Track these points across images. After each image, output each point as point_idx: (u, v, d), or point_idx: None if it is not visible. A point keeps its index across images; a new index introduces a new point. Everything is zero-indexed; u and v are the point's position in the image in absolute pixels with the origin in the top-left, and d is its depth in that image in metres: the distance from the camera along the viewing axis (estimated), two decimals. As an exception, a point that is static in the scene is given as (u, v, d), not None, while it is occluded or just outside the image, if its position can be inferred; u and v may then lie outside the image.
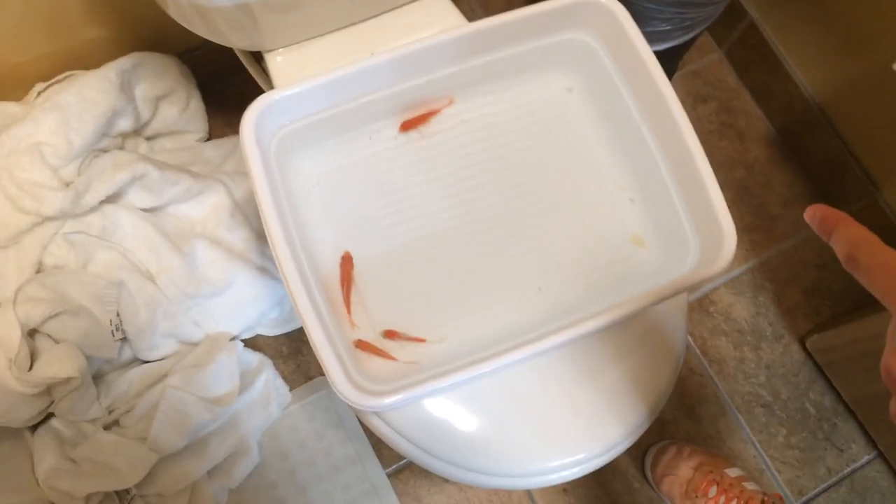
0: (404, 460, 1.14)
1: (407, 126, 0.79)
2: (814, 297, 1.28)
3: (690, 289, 0.69)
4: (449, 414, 0.72)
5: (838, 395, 1.22)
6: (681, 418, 1.20)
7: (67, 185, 0.94)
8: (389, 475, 1.13)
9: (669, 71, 1.29)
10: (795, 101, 1.28)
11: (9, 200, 0.92)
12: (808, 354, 1.24)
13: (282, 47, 0.83)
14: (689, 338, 1.24)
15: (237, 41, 0.81)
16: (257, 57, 0.87)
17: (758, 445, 1.20)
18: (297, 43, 0.83)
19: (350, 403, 0.61)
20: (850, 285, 1.29)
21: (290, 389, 1.15)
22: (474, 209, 0.78)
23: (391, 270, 0.75)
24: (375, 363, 0.70)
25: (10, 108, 0.99)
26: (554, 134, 0.81)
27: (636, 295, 0.66)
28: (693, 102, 1.38)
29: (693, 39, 1.12)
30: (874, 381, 1.11)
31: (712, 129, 1.36)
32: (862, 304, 1.27)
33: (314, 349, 0.62)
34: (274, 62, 0.83)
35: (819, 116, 1.25)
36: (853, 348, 1.14)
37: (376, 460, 1.13)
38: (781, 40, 1.27)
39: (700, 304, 1.27)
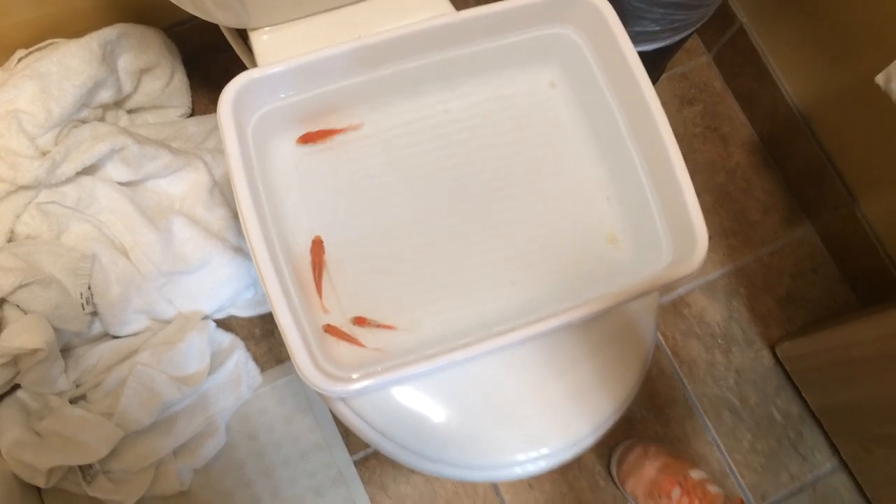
0: (371, 448, 1.14)
1: (305, 139, 0.78)
2: (787, 304, 1.29)
3: (661, 288, 0.69)
4: (415, 403, 0.72)
5: (805, 404, 1.23)
6: (649, 418, 1.21)
7: (44, 154, 0.93)
8: (356, 463, 1.13)
9: (657, 72, 1.30)
10: (780, 109, 1.29)
11: (-17, 167, 0.91)
12: (778, 361, 1.25)
13: (268, 26, 0.83)
14: (661, 339, 1.25)
15: (223, 18, 0.81)
16: (243, 35, 0.87)
17: (723, 449, 1.21)
18: (284, 23, 0.83)
19: (314, 388, 0.61)
20: (823, 295, 1.30)
21: (261, 372, 1.14)
22: (451, 199, 0.78)
23: (365, 257, 0.75)
24: (343, 349, 0.70)
25: (-12, 73, 0.97)
26: (535, 128, 0.81)
27: (607, 292, 0.67)
28: (679, 105, 1.38)
29: (682, 41, 1.13)
30: (842, 390, 1.12)
31: (696, 133, 1.37)
32: (835, 313, 1.28)
33: (281, 331, 0.61)
34: (259, 41, 0.83)
35: (802, 125, 1.26)
36: (823, 357, 1.15)
37: (344, 447, 1.13)
38: (769, 47, 1.28)
39: (674, 305, 1.27)
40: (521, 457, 0.73)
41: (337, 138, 0.79)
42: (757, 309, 1.29)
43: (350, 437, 1.13)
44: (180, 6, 0.78)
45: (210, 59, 1.23)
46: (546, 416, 0.72)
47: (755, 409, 1.24)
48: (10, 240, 0.95)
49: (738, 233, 1.32)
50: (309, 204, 0.76)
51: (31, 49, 1.00)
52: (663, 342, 1.25)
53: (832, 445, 1.22)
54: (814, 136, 1.25)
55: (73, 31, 1.01)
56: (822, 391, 1.18)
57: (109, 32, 1.01)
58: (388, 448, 0.75)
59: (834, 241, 1.30)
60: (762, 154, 1.37)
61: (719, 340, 1.27)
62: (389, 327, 0.72)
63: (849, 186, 1.22)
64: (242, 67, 0.96)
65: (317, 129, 0.77)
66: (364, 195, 0.77)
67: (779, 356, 1.25)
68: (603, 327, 0.76)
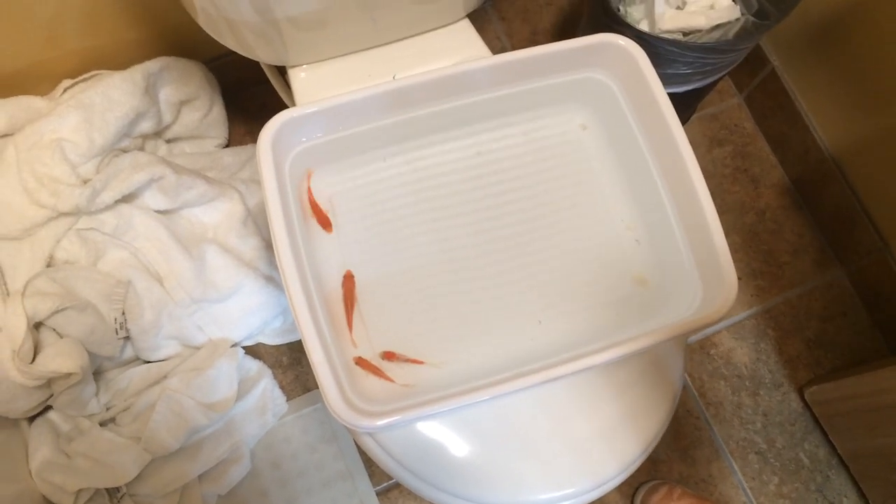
0: (394, 480, 1.14)
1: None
2: (816, 348, 1.28)
3: (689, 333, 0.69)
4: (441, 439, 0.72)
5: (833, 448, 1.21)
6: (674, 459, 1.20)
7: (85, 182, 0.96)
8: (379, 493, 1.13)
9: (688, 112, 1.31)
10: (811, 152, 1.29)
11: (27, 193, 0.93)
12: (806, 405, 1.24)
13: (306, 64, 0.85)
14: (688, 379, 1.24)
15: (263, 55, 0.83)
16: (281, 71, 0.89)
17: (749, 492, 1.19)
18: (322, 61, 0.85)
19: (343, 422, 0.61)
20: (852, 340, 1.28)
21: (288, 400, 1.15)
22: (482, 238, 0.79)
23: (396, 292, 0.76)
24: (372, 383, 0.71)
25: (35, 102, 1.00)
26: (565, 170, 0.82)
27: (635, 335, 0.67)
28: (709, 145, 1.38)
29: (714, 83, 1.13)
30: (870, 436, 1.11)
31: (726, 173, 1.37)
32: (864, 359, 1.27)
33: (312, 365, 0.62)
34: (297, 78, 0.85)
35: (833, 169, 1.25)
36: (852, 403, 1.14)
37: (367, 478, 1.13)
38: (801, 91, 1.28)
39: (701, 345, 1.27)
40: (544, 496, 0.72)
41: (369, 174, 0.81)
42: (785, 351, 1.28)
43: (373, 468, 1.13)
44: (223, 43, 0.80)
45: (247, 92, 1.25)
46: (571, 456, 0.72)
47: (782, 452, 1.22)
48: (49, 264, 0.97)
49: (767, 274, 1.31)
50: (342, 238, 0.78)
51: (76, 79, 1.03)
52: (690, 382, 1.24)
53: (860, 491, 1.20)
54: (845, 180, 1.24)
55: (118, 62, 1.04)
56: (850, 436, 1.17)
57: (152, 65, 1.04)
58: (410, 481, 0.75)
59: (864, 286, 1.29)
60: (792, 196, 1.36)
61: (747, 382, 1.26)
62: (418, 362, 0.73)
63: (880, 232, 1.21)
64: (278, 100, 0.98)
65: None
66: (396, 232, 0.78)
67: (807, 400, 1.24)
68: (631, 367, 0.76)
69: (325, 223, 0.77)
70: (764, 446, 1.22)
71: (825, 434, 1.22)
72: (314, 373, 0.62)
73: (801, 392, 1.25)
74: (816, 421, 1.23)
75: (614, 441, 0.74)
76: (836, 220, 1.29)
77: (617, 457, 0.73)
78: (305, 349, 0.63)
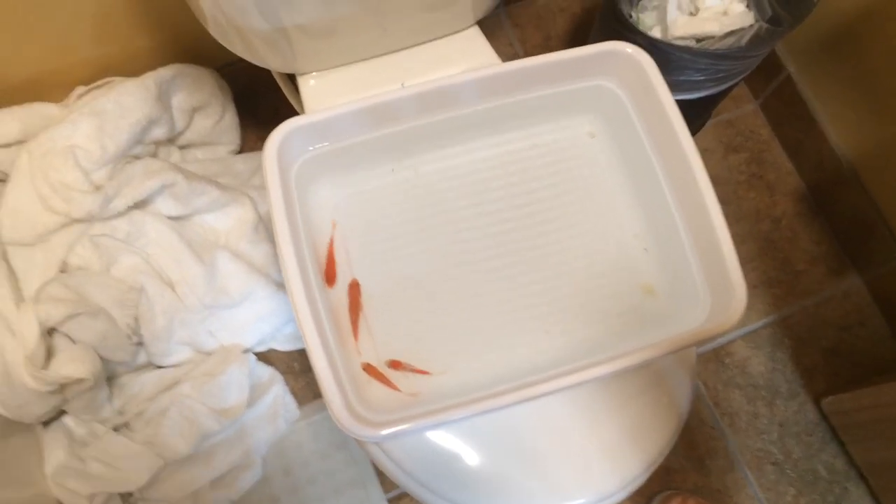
0: (405, 487, 1.14)
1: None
2: (833, 357, 1.26)
3: (697, 344, 0.68)
4: (446, 448, 0.72)
5: (851, 460, 1.19)
6: (688, 469, 1.18)
7: (98, 188, 0.96)
8: (389, 501, 1.13)
9: (703, 119, 1.30)
10: (827, 159, 1.27)
11: (40, 200, 0.94)
12: (824, 415, 1.22)
13: (315, 71, 0.85)
14: (703, 388, 1.23)
15: (273, 62, 0.83)
16: (292, 78, 0.89)
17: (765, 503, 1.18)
18: (331, 68, 0.85)
19: (347, 432, 0.61)
20: (870, 350, 1.26)
21: (299, 406, 1.15)
22: (487, 246, 0.78)
23: (401, 301, 0.76)
24: (377, 392, 0.71)
25: (49, 109, 1.02)
26: (573, 178, 0.81)
27: (642, 346, 0.66)
28: (724, 152, 1.37)
29: (728, 90, 1.12)
30: (889, 447, 1.09)
31: (741, 180, 1.35)
32: (882, 368, 1.25)
33: (315, 374, 0.62)
34: (307, 85, 0.85)
35: (850, 176, 1.24)
36: (870, 413, 1.12)
37: (378, 485, 1.13)
38: (817, 97, 1.27)
39: (716, 354, 1.25)
40: (545, 509, 0.72)
41: (375, 182, 0.81)
42: (802, 361, 1.26)
43: (384, 476, 1.13)
44: (233, 51, 0.81)
45: (260, 99, 1.26)
46: (575, 469, 0.72)
47: (799, 463, 1.21)
48: (62, 270, 0.98)
49: (783, 282, 1.30)
50: (348, 247, 0.78)
51: (90, 86, 1.04)
52: (704, 392, 1.23)
53: (878, 503, 1.18)
54: (863, 187, 1.22)
55: (131, 69, 1.05)
56: (869, 447, 1.15)
57: (165, 72, 1.05)
58: (416, 491, 0.75)
59: (883, 295, 1.27)
60: (809, 203, 1.35)
61: (762, 392, 1.24)
62: (424, 372, 0.73)
63: (898, 239, 1.20)
64: (290, 107, 0.99)
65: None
66: (401, 240, 0.78)
67: (824, 410, 1.22)
68: (637, 381, 0.75)
69: (331, 277, 0.76)
70: (780, 457, 1.21)
71: (843, 445, 1.20)
72: (318, 382, 0.62)
73: (818, 402, 1.23)
74: (834, 432, 1.21)
75: (617, 457, 0.73)
76: (854, 227, 1.28)
77: (619, 473, 0.73)
78: (309, 358, 0.63)
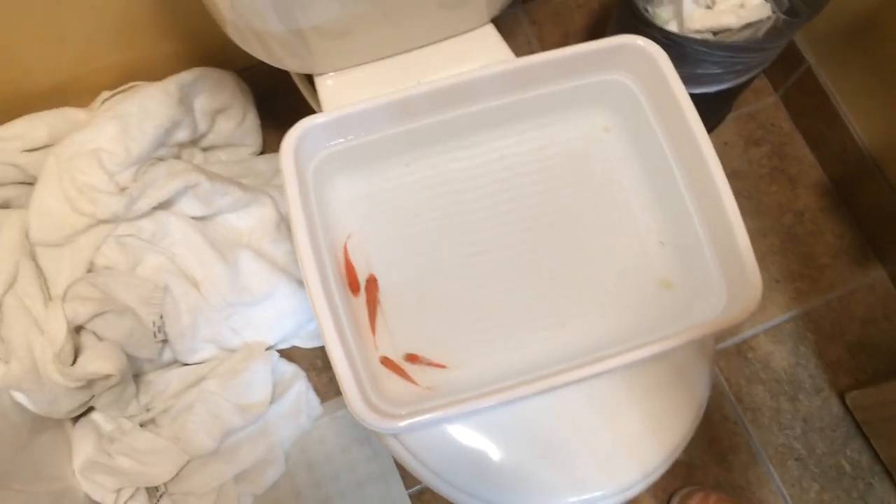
0: (426, 482, 1.15)
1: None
2: (858, 352, 1.25)
3: (715, 335, 0.69)
4: (465, 442, 0.73)
5: (876, 455, 1.18)
6: (710, 464, 1.18)
7: (123, 190, 0.98)
8: (412, 496, 1.14)
9: (723, 112, 1.29)
10: (849, 151, 1.26)
11: (67, 202, 0.96)
12: (848, 410, 1.21)
13: (332, 71, 0.87)
14: (725, 384, 1.23)
15: (290, 64, 0.85)
16: (310, 79, 0.90)
17: (788, 499, 1.17)
18: (347, 68, 0.86)
19: (364, 424, 0.62)
20: (896, 343, 1.25)
21: (322, 402, 1.17)
22: (505, 241, 0.79)
23: (418, 295, 0.77)
24: (394, 386, 0.72)
25: (75, 113, 1.04)
26: (589, 172, 0.82)
27: (658, 337, 0.66)
28: (745, 145, 1.36)
29: (748, 82, 1.12)
30: (915, 443, 1.08)
31: (763, 174, 1.35)
32: (908, 363, 1.24)
33: (333, 366, 0.63)
34: (324, 85, 0.87)
35: (873, 168, 1.22)
36: (895, 408, 1.11)
37: (399, 480, 1.14)
38: (838, 89, 1.25)
39: (738, 349, 1.25)
40: (572, 499, 0.72)
41: (392, 179, 0.82)
42: (825, 355, 1.25)
43: (405, 471, 1.14)
44: (252, 54, 0.82)
45: (280, 100, 1.28)
46: (595, 461, 0.72)
47: (823, 458, 1.20)
48: (89, 270, 1.00)
49: (806, 276, 1.29)
50: (365, 241, 0.79)
51: (114, 91, 1.06)
52: (727, 387, 1.22)
53: (905, 499, 1.17)
54: (885, 179, 1.21)
55: (154, 74, 1.07)
56: (894, 442, 1.14)
57: (187, 76, 1.07)
58: (437, 485, 0.76)
59: (907, 288, 1.26)
60: (832, 196, 1.33)
61: (785, 387, 1.23)
62: (441, 366, 0.74)
63: (923, 232, 1.18)
64: (310, 108, 1.00)
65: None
66: (419, 236, 0.79)
67: (848, 405, 1.21)
68: (655, 373, 0.75)
69: (354, 286, 0.77)
70: (804, 452, 1.20)
71: (867, 440, 1.19)
72: (336, 375, 0.63)
73: (842, 397, 1.22)
74: (858, 427, 1.20)
75: (636, 448, 0.73)
76: (877, 220, 1.26)
77: (639, 463, 0.73)
78: (326, 349, 0.64)
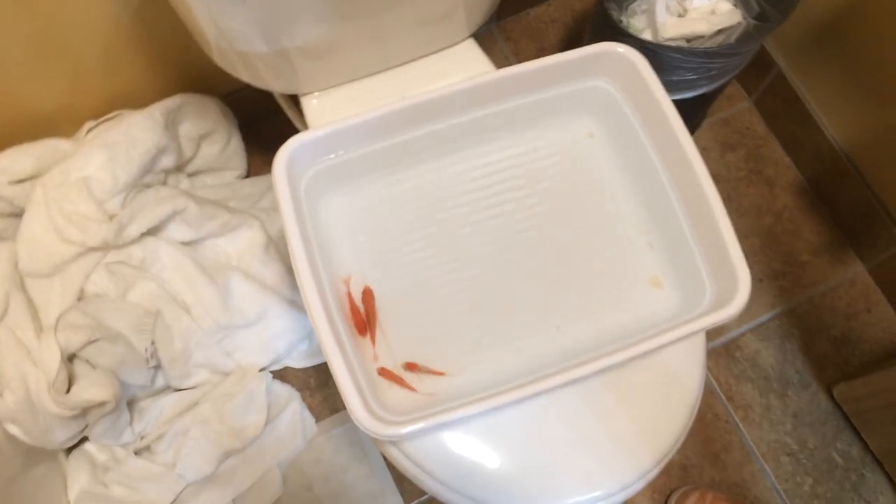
0: (426, 496, 1.15)
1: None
2: (843, 346, 1.27)
3: (705, 331, 0.70)
4: (465, 447, 0.73)
5: (866, 446, 1.20)
6: (704, 464, 1.19)
7: (111, 217, 0.99)
8: (411, 511, 1.14)
9: (698, 118, 1.32)
10: (824, 151, 1.29)
11: (56, 231, 0.97)
12: (836, 404, 1.23)
13: (317, 91, 0.88)
14: (715, 383, 1.24)
15: (275, 85, 0.86)
16: (295, 100, 0.92)
17: (783, 494, 1.19)
18: (332, 87, 0.88)
19: (367, 432, 0.63)
20: (879, 336, 1.28)
21: (317, 422, 1.17)
22: (495, 248, 0.80)
23: (414, 305, 0.78)
24: (395, 395, 0.73)
25: (61, 144, 1.04)
26: (575, 177, 0.83)
27: (649, 335, 0.68)
28: (721, 150, 1.39)
29: (721, 88, 1.15)
30: (904, 432, 1.10)
31: (741, 177, 1.37)
32: (892, 353, 1.26)
33: (334, 378, 0.64)
34: (309, 105, 0.88)
35: (848, 166, 1.25)
36: (882, 398, 1.13)
37: (398, 495, 1.14)
38: (809, 90, 1.29)
39: (726, 349, 1.26)
40: (572, 500, 0.73)
41: (382, 191, 0.83)
42: (811, 351, 1.27)
43: (405, 486, 1.14)
44: (237, 76, 0.83)
45: (264, 123, 1.29)
46: (593, 461, 0.73)
47: (814, 452, 1.21)
48: (79, 298, 1.00)
49: (789, 274, 1.31)
50: (359, 254, 0.79)
51: (99, 120, 1.07)
52: (717, 387, 1.24)
53: (896, 488, 1.19)
54: (861, 176, 1.24)
55: (138, 101, 1.08)
56: (883, 433, 1.16)
57: (171, 103, 1.07)
58: (439, 491, 0.76)
59: (887, 281, 1.29)
60: (809, 196, 1.36)
61: (774, 384, 1.25)
62: (439, 373, 0.74)
63: (899, 225, 1.21)
64: (294, 129, 1.01)
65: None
66: (411, 246, 0.80)
67: (836, 398, 1.23)
68: (648, 372, 0.76)
69: (361, 328, 0.77)
70: (796, 447, 1.22)
71: (857, 432, 1.21)
72: (337, 384, 0.64)
73: (829, 391, 1.24)
74: (847, 419, 1.22)
75: (632, 448, 0.74)
76: (854, 216, 1.29)
77: (635, 464, 0.74)
78: (328, 362, 0.64)
